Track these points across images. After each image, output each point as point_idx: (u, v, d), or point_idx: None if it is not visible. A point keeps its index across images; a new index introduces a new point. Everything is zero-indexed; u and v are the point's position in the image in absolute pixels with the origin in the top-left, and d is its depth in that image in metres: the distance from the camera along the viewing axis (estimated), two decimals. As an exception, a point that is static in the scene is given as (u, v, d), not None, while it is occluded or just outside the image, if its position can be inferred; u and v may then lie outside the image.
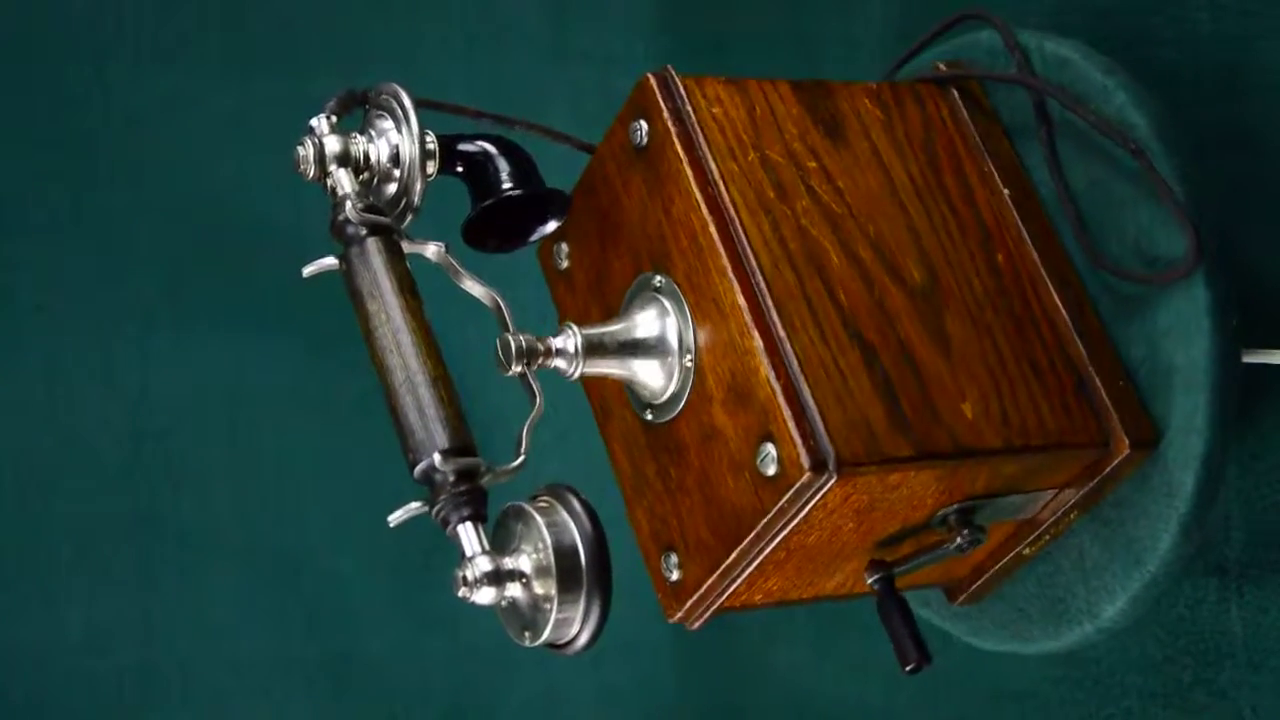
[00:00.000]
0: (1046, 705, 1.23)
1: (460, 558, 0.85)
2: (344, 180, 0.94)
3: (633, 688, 1.68)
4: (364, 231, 0.91)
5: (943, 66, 1.06)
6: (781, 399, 0.89)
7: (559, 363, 0.95)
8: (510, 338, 0.94)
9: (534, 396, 0.93)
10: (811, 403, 0.89)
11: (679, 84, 0.98)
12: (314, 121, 0.95)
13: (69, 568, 1.60)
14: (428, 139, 0.95)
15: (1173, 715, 1.14)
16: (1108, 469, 0.97)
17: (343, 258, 0.92)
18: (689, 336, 0.95)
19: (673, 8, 1.59)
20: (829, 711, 1.46)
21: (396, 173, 0.95)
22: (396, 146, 0.95)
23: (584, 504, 0.87)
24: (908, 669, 0.96)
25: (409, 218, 0.96)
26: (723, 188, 0.95)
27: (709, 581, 0.94)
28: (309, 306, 1.65)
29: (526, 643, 0.86)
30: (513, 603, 0.87)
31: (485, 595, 0.84)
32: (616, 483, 1.03)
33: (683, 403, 0.95)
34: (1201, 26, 1.09)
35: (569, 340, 0.95)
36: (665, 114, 0.97)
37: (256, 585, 1.65)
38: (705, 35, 1.57)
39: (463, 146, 0.98)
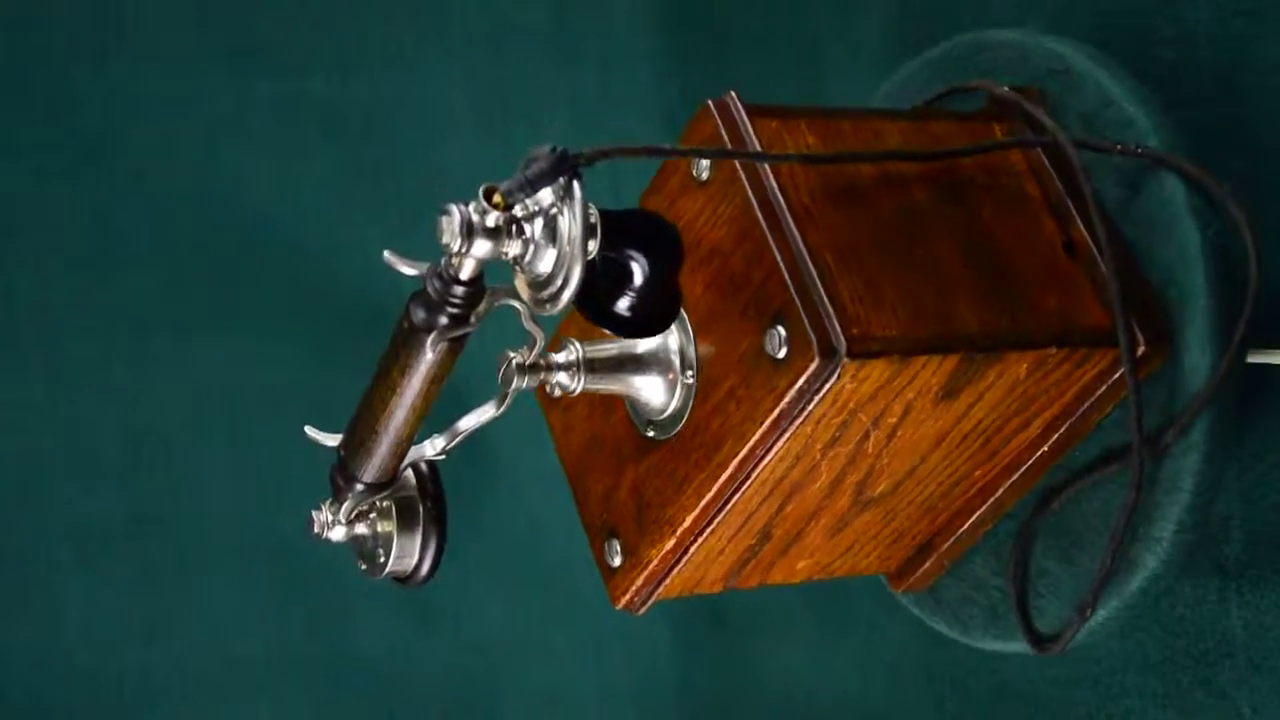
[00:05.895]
0: (1046, 705, 1.23)
1: (325, 503, 0.96)
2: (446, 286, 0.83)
3: (633, 687, 1.68)
4: (437, 344, 0.85)
5: (1144, 335, 0.92)
6: (646, 572, 0.95)
7: (560, 377, 0.94)
8: (511, 355, 0.92)
9: (500, 403, 0.91)
10: (666, 582, 0.95)
11: (848, 372, 0.85)
12: (486, 194, 0.80)
13: (69, 568, 1.60)
14: (590, 214, 0.82)
15: (1173, 715, 1.14)
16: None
17: (404, 315, 0.85)
18: (690, 353, 0.94)
19: (673, 8, 1.59)
20: (829, 711, 1.46)
21: (552, 250, 0.82)
22: (555, 219, 0.82)
23: (429, 463, 0.96)
24: None
25: (561, 302, 0.83)
26: (777, 452, 0.89)
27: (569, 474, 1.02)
28: (308, 307, 1.65)
29: (375, 575, 0.98)
30: (360, 540, 0.98)
31: (337, 533, 0.96)
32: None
33: (682, 423, 0.95)
34: (1201, 26, 1.09)
35: (570, 357, 0.95)
36: (802, 390, 0.86)
37: (256, 585, 1.65)
38: (705, 35, 1.57)
39: (614, 254, 0.85)
